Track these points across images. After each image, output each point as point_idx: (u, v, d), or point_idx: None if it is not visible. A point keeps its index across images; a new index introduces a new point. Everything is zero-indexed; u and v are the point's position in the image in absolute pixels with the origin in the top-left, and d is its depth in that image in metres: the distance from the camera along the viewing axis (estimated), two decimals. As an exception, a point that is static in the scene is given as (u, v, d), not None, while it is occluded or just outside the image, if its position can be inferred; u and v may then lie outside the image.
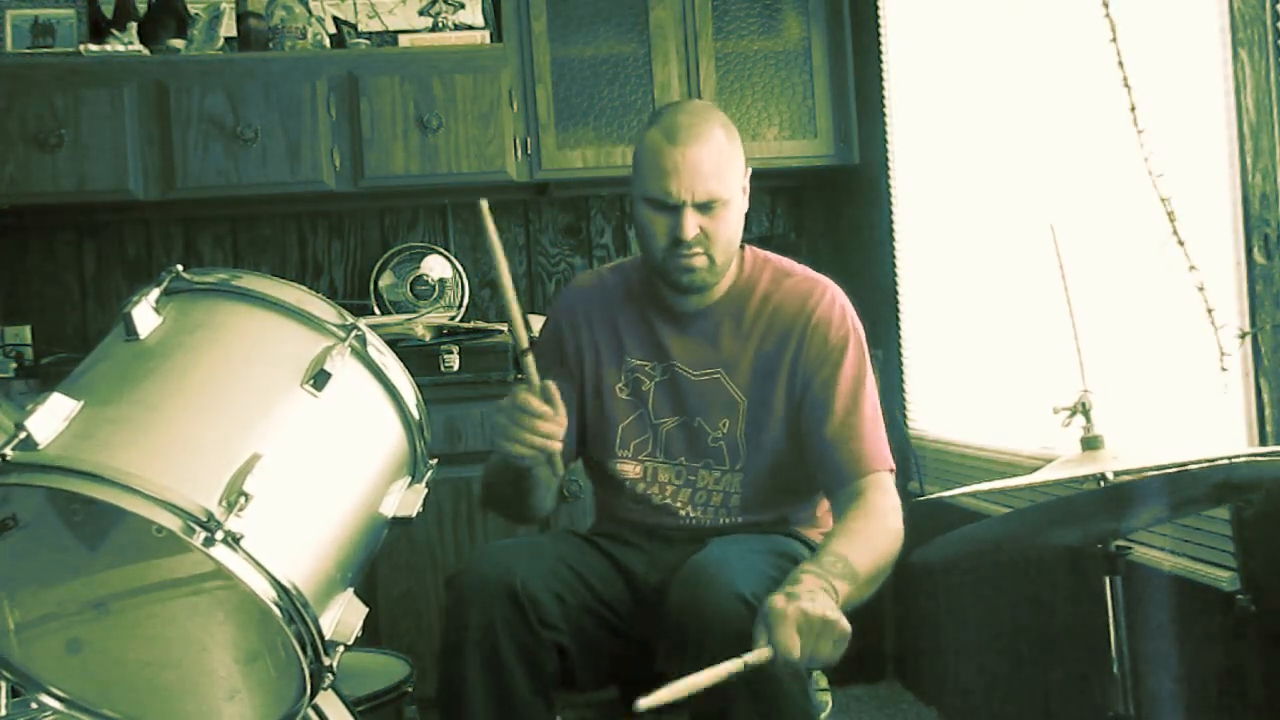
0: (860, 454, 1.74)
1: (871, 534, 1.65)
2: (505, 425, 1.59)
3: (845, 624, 1.43)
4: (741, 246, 1.85)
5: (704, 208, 1.71)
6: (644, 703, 1.30)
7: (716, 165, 1.70)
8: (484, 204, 1.59)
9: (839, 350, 1.79)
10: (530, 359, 1.60)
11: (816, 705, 1.53)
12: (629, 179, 1.81)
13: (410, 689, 2.05)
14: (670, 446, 1.84)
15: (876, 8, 3.18)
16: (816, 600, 1.43)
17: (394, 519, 1.43)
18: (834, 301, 1.83)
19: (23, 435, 1.18)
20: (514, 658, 1.59)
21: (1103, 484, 1.43)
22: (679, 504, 1.84)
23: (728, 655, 1.43)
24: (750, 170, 1.81)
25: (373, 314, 3.40)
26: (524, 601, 1.60)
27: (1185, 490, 1.45)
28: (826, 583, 1.49)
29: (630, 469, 1.85)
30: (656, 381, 1.84)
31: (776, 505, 1.85)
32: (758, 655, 1.38)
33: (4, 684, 1.51)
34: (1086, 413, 1.49)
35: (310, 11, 3.31)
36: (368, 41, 3.32)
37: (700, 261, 1.73)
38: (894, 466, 1.78)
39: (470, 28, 3.35)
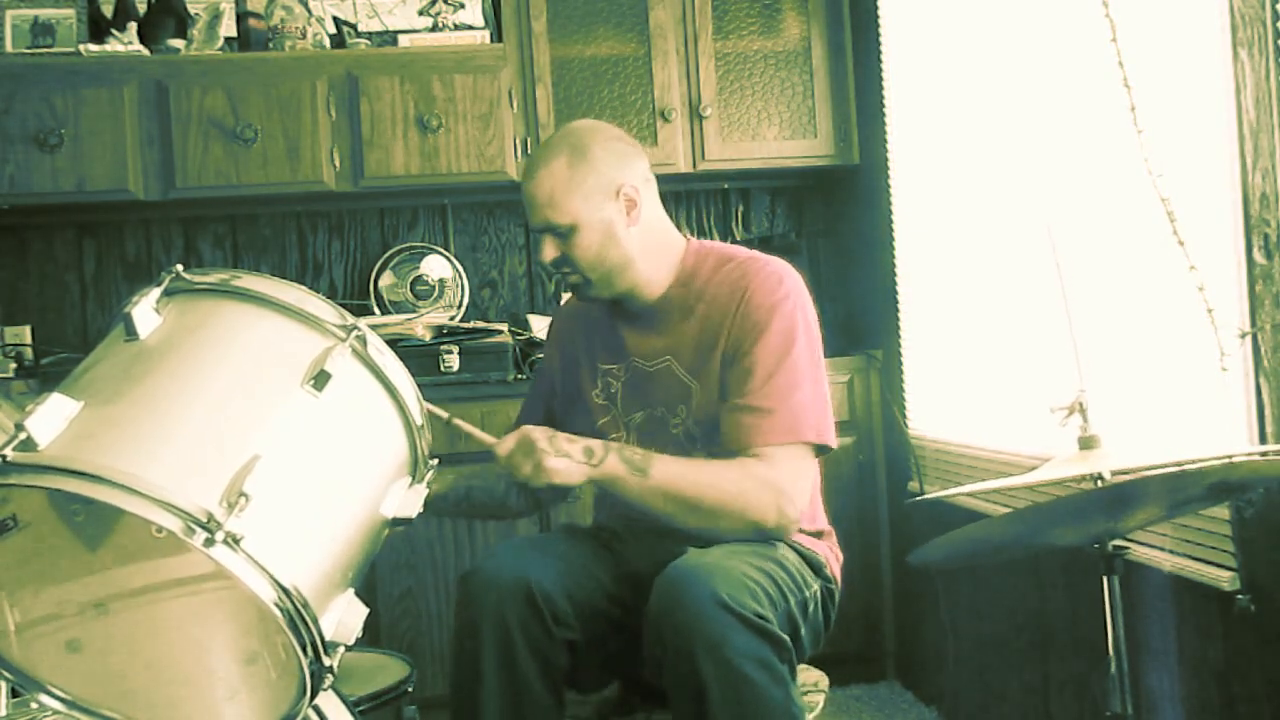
0: (759, 426, 1.70)
1: (719, 475, 1.68)
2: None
3: (554, 466, 1.62)
4: (703, 240, 1.92)
5: (553, 233, 1.79)
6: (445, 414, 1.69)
7: (550, 195, 1.76)
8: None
9: (765, 320, 1.75)
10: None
11: (798, 708, 1.53)
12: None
13: (410, 689, 2.05)
14: (640, 440, 1.84)
15: (876, 8, 3.18)
16: (561, 442, 1.64)
17: (394, 519, 1.43)
18: (770, 274, 1.79)
19: (23, 435, 1.17)
20: (529, 656, 1.61)
21: (1099, 483, 1.43)
22: None
23: (706, 659, 1.46)
24: (625, 187, 1.78)
25: (373, 314, 3.41)
26: (539, 600, 1.62)
27: (1184, 489, 1.45)
28: (606, 451, 1.66)
29: None
30: (623, 381, 1.88)
31: None
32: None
33: (4, 684, 1.52)
34: (1083, 412, 1.49)
35: (310, 11, 3.31)
36: (368, 41, 3.33)
37: (575, 279, 1.83)
38: (815, 439, 1.72)
39: (470, 28, 3.35)
